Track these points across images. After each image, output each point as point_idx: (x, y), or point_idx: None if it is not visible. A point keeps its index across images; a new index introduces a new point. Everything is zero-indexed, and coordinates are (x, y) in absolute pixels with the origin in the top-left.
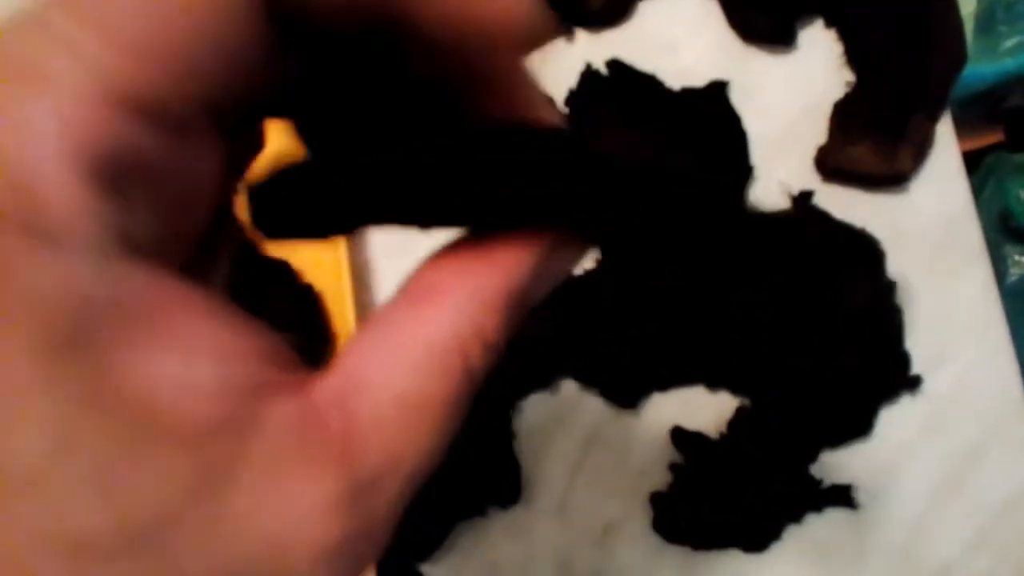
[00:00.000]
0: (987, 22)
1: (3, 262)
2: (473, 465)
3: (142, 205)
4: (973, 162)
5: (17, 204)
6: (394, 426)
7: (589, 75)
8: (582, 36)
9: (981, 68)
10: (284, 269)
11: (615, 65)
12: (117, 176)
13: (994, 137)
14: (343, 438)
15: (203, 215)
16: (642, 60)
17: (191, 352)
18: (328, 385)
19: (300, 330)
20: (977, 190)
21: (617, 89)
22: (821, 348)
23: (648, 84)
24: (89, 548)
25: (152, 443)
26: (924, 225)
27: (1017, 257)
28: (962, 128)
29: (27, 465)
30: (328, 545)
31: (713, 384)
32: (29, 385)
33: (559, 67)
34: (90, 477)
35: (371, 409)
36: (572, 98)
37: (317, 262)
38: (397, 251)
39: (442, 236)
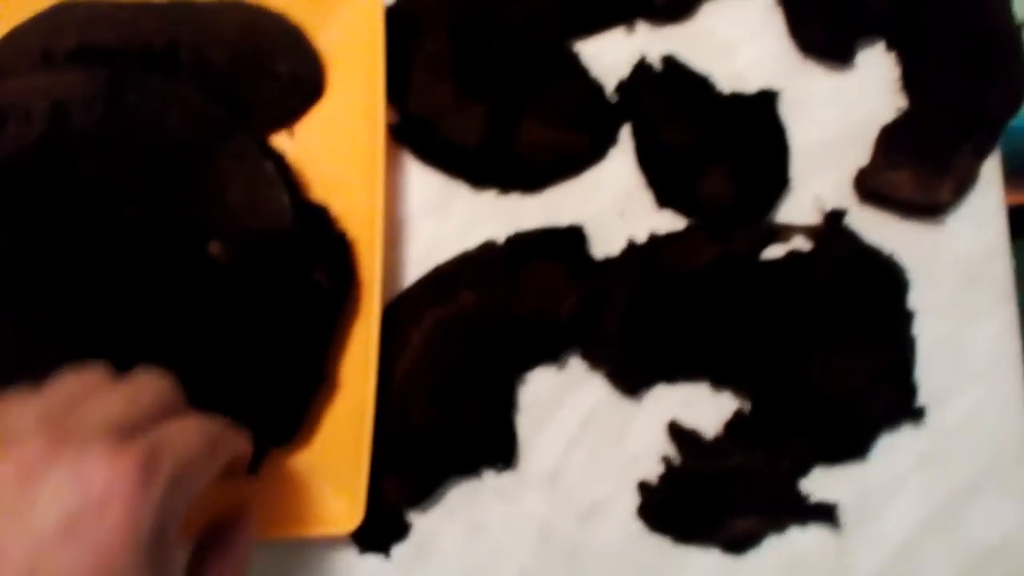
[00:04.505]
0: None
1: None
2: (472, 426)
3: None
4: None
5: None
6: None
7: (641, 68)
8: (642, 28)
9: None
10: (322, 214)
11: (669, 62)
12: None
13: None
14: None
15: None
16: (698, 59)
17: None
18: None
19: (329, 273)
20: None
21: (667, 86)
22: (831, 364)
23: (698, 85)
24: None
25: None
26: (955, 259)
27: None
28: None
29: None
30: None
31: (718, 381)
32: None
33: (615, 56)
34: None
35: None
36: (622, 88)
37: (354, 212)
38: (434, 210)
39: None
